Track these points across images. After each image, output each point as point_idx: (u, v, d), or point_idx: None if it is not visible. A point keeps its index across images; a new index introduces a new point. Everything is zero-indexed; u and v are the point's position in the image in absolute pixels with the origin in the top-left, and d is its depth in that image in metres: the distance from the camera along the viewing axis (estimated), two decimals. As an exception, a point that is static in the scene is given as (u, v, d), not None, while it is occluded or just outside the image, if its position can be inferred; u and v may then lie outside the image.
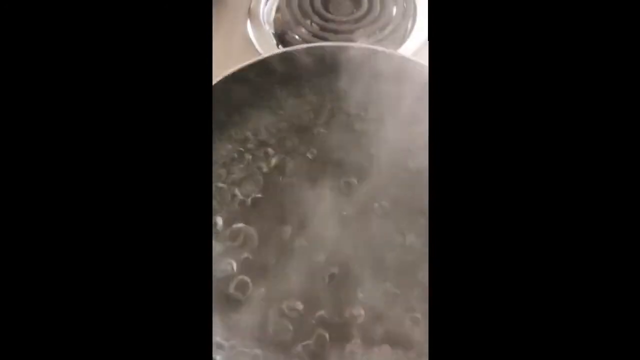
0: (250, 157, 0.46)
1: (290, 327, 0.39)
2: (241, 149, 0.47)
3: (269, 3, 0.64)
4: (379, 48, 0.48)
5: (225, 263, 0.41)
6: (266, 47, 0.58)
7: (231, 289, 0.40)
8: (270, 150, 0.47)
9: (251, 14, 0.62)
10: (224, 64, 0.55)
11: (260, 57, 0.48)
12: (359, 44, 0.49)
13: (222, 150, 0.47)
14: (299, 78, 0.49)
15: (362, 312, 0.39)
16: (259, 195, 0.44)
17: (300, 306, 0.40)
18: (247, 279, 0.41)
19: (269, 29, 0.61)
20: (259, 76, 0.48)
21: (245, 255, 0.42)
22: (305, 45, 0.49)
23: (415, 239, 0.42)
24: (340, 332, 0.39)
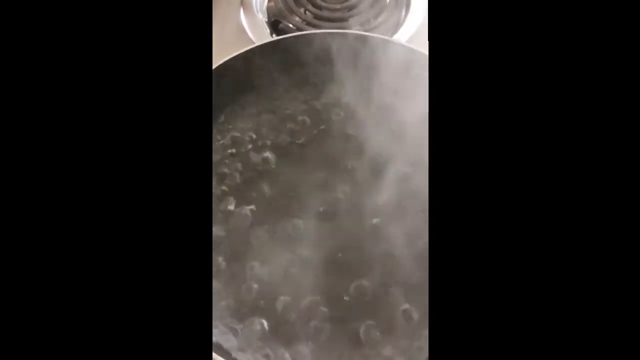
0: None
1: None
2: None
3: (262, -8, 0.64)
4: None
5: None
6: (260, 35, 0.58)
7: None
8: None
9: (244, 3, 0.62)
10: (218, 52, 0.55)
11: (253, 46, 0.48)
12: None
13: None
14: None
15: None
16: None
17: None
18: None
19: (262, 18, 0.61)
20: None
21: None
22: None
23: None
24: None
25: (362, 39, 0.47)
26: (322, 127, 0.47)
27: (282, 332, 0.37)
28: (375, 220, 0.42)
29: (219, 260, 0.41)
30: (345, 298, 0.39)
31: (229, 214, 0.43)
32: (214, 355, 0.34)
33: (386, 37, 0.49)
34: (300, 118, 0.48)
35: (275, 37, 0.51)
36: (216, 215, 0.43)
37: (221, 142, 0.47)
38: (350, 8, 0.61)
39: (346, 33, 0.48)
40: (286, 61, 0.49)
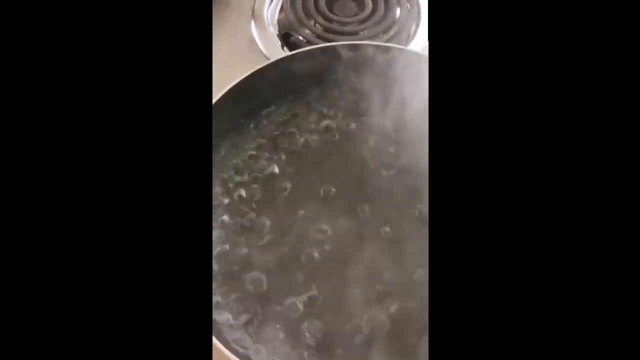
0: None
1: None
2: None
3: (272, 4, 0.64)
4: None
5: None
6: (271, 48, 0.58)
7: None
8: None
9: (255, 15, 0.62)
10: (229, 64, 0.56)
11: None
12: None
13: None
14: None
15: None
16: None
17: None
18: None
19: (273, 30, 0.61)
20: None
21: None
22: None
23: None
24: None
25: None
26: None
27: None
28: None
29: None
30: None
31: None
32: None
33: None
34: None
35: (289, 52, 0.51)
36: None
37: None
38: (362, 21, 0.61)
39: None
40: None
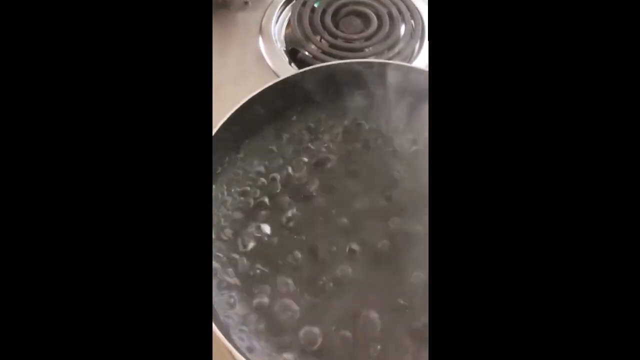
0: None
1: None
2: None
3: (279, 21, 0.65)
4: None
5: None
6: (279, 64, 0.60)
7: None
8: None
9: (263, 31, 0.63)
10: (237, 80, 0.57)
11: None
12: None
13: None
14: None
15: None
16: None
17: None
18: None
19: (280, 47, 0.62)
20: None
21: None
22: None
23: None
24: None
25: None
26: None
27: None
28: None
29: None
30: None
31: None
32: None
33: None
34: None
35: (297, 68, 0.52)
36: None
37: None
38: (367, 38, 0.62)
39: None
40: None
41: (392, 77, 0.48)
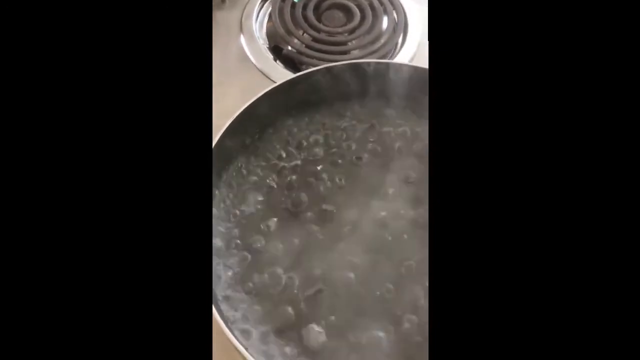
0: None
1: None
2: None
3: (259, 17, 0.64)
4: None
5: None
6: (263, 61, 0.58)
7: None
8: None
9: (243, 28, 0.62)
10: (221, 81, 0.56)
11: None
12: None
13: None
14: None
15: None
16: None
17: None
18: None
19: (263, 43, 0.61)
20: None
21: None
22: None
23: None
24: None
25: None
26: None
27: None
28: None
29: None
30: None
31: None
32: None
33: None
34: None
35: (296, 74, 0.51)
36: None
37: None
38: (350, 31, 0.61)
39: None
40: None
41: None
